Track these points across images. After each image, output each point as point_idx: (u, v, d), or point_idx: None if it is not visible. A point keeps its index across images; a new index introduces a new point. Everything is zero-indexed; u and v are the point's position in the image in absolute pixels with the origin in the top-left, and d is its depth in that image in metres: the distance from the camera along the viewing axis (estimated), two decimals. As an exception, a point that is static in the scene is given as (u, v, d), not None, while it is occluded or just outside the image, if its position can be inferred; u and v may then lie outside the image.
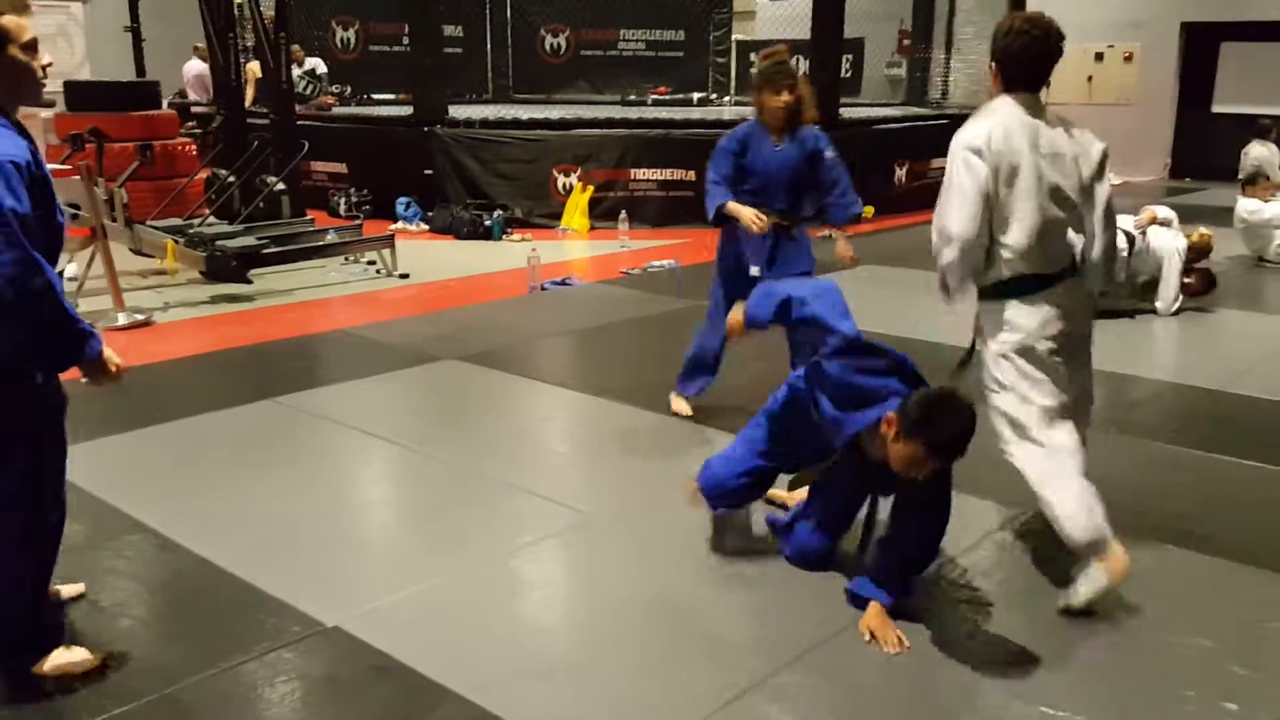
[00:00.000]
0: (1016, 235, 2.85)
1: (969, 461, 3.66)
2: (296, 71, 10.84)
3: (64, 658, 2.53)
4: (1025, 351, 2.90)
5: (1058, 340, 2.89)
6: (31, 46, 2.31)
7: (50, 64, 2.39)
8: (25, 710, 2.42)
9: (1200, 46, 14.05)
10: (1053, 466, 2.86)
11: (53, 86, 9.39)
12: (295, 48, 10.64)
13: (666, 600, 2.95)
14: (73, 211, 6.31)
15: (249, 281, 6.89)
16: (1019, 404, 2.91)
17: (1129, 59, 14.42)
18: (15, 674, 2.51)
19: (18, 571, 2.48)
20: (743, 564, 3.21)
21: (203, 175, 8.75)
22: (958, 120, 13.80)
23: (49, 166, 2.48)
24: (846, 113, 10.77)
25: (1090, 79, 14.64)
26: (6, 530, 2.44)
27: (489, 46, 15.49)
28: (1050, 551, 3.18)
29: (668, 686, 2.54)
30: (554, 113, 11.00)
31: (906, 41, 14.89)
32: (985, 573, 3.11)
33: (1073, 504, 2.81)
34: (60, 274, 2.41)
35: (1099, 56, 14.59)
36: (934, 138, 11.62)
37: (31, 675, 2.50)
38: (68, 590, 2.88)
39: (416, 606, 2.89)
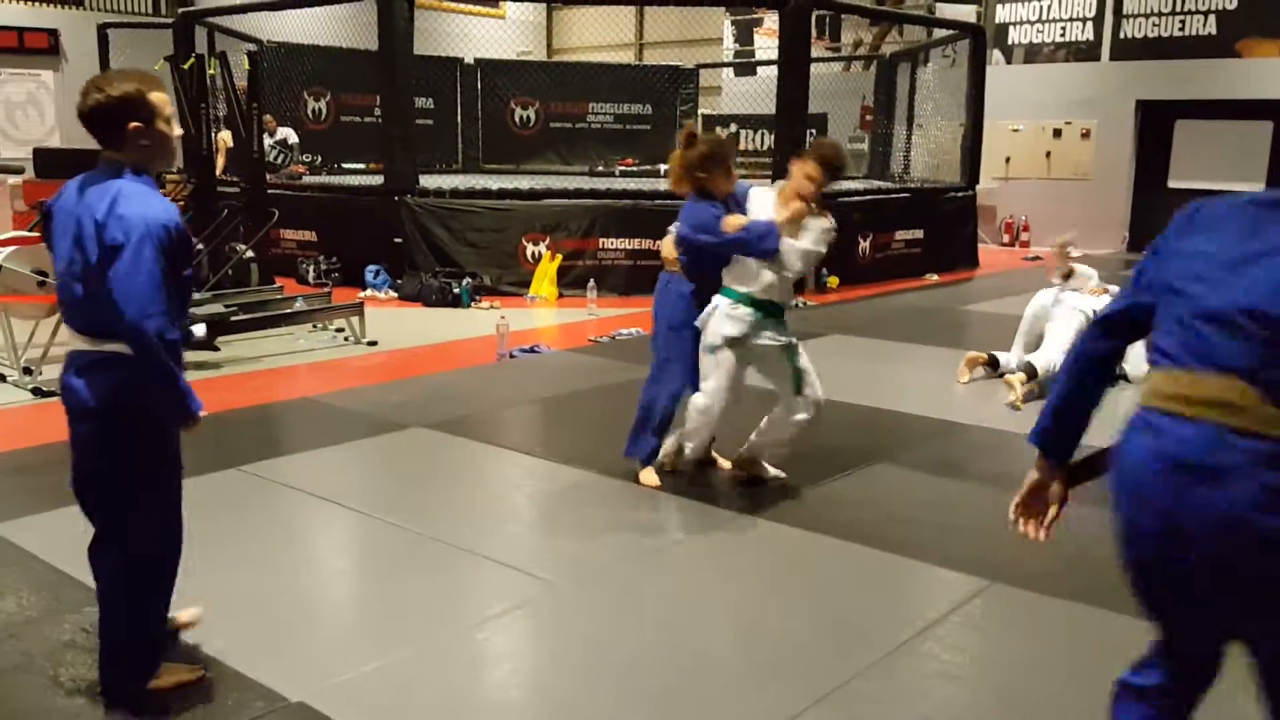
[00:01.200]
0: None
1: (934, 531, 3.68)
2: (268, 141, 10.91)
3: (177, 674, 2.77)
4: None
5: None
6: (170, 119, 2.59)
7: (181, 135, 2.76)
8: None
9: (1155, 124, 14.51)
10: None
11: (22, 153, 9.47)
12: (267, 117, 10.72)
13: (636, 671, 2.92)
14: (40, 279, 6.28)
15: (216, 349, 6.85)
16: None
17: (1086, 136, 14.85)
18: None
19: (150, 595, 2.72)
20: (713, 634, 3.20)
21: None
22: (919, 193, 14.10)
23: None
24: (812, 185, 10.98)
25: (1049, 155, 15.07)
26: (146, 551, 2.69)
27: (459, 118, 15.71)
28: (1023, 623, 3.20)
29: (637, 760, 2.51)
30: (523, 183, 11.13)
31: (869, 117, 15.27)
32: (955, 646, 3.11)
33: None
34: (190, 332, 2.70)
35: (1057, 133, 15.03)
36: (897, 210, 11.90)
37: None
38: (185, 615, 2.96)
39: (384, 680, 2.85)
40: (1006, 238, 15.47)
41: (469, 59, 15.59)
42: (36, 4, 14.54)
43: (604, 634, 3.16)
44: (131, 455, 2.58)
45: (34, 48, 14.33)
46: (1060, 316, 6.40)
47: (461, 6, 16.42)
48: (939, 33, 13.79)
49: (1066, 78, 14.87)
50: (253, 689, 2.75)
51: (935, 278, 11.71)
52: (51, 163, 8.98)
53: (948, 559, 3.59)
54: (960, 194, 12.82)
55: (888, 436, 5.29)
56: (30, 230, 6.95)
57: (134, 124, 2.49)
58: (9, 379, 6.19)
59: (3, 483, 4.47)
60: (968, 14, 14.82)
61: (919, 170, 13.59)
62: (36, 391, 5.94)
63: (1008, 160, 15.23)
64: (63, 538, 3.78)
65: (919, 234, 12.04)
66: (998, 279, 11.81)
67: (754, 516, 4.10)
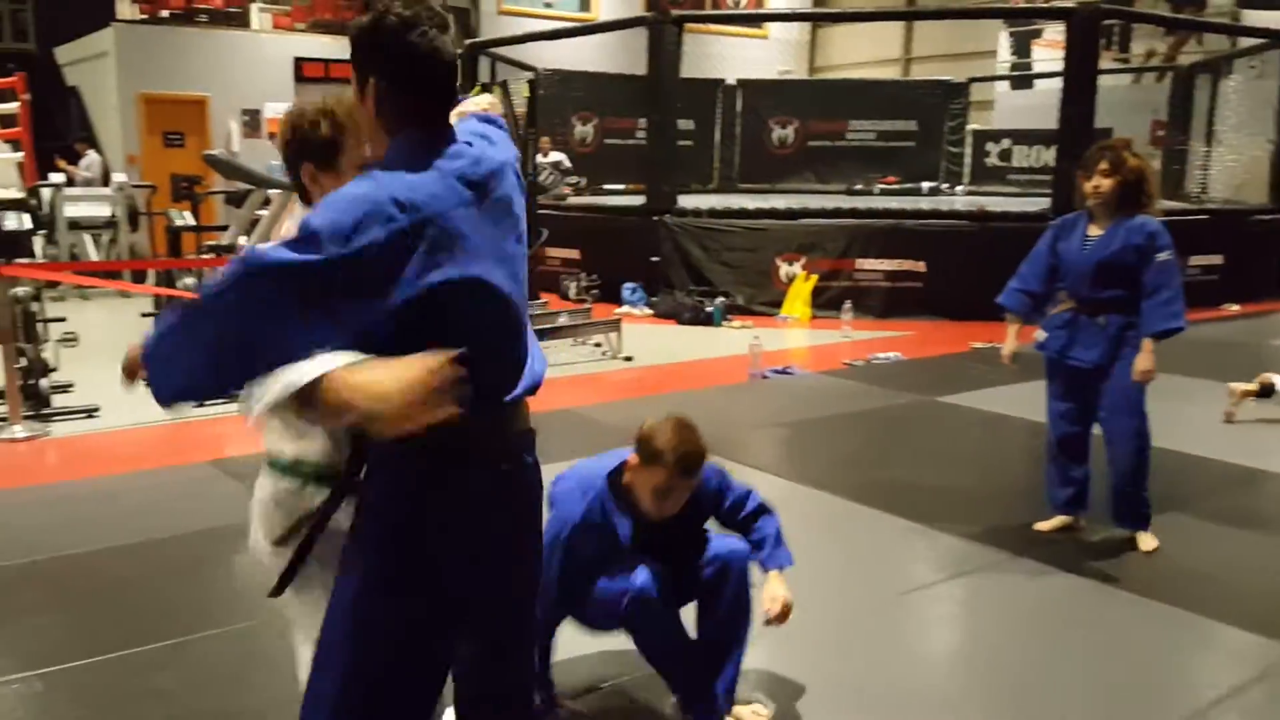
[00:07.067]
0: None
1: (1236, 590, 3.25)
2: (540, 160, 11.41)
3: None
4: None
5: None
6: None
7: None
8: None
9: None
10: None
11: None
12: (543, 140, 11.21)
13: (876, 708, 2.75)
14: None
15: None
16: None
17: None
18: None
19: None
20: (976, 679, 2.96)
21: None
22: (1219, 215, 12.83)
23: None
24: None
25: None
26: None
27: (718, 138, 15.84)
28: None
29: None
30: (779, 202, 11.05)
31: (1161, 132, 14.10)
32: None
33: None
34: None
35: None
36: (1192, 233, 10.85)
37: None
38: None
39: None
40: (1321, 265, 13.80)
41: (730, 80, 15.71)
42: (343, 36, 15.95)
43: (847, 671, 3.00)
44: None
45: (339, 78, 15.72)
46: None
47: (726, 29, 16.56)
48: (1244, 42, 12.54)
49: (1399, 87, 13.10)
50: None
51: (1236, 308, 10.60)
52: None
53: (1252, 621, 3.18)
54: (1268, 216, 11.56)
55: (1182, 482, 4.77)
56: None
57: None
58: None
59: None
60: (1277, 20, 13.38)
61: (1219, 190, 12.39)
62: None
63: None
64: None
65: (1218, 259, 10.93)
66: (1310, 311, 10.55)
67: (1030, 559, 3.80)
